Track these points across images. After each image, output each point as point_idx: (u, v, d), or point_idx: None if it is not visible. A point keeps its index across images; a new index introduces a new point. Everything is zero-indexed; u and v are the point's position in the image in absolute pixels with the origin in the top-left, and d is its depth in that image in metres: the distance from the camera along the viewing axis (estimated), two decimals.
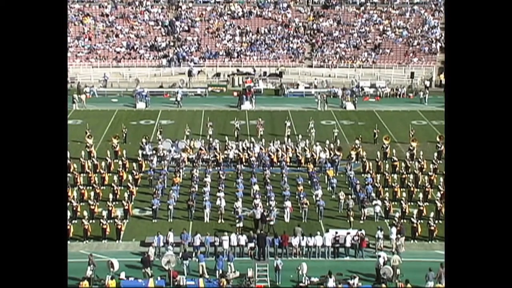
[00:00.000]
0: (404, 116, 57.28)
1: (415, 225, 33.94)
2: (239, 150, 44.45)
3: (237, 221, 34.57)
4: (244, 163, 43.19)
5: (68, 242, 30.66)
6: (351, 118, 56.54)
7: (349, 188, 39.72)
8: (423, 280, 28.50)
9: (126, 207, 36.11)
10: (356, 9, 77.79)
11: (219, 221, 35.69)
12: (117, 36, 73.45)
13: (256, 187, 37.95)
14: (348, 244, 32.14)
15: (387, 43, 73.03)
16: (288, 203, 36.19)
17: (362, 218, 36.02)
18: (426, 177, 40.24)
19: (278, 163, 42.99)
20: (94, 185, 38.91)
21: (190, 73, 67.87)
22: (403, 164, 42.13)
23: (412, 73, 67.42)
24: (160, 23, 75.53)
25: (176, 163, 42.73)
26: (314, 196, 37.54)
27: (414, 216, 34.30)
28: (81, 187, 38.25)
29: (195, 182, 39.19)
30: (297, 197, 37.93)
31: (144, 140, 46.16)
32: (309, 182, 40.58)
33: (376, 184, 38.91)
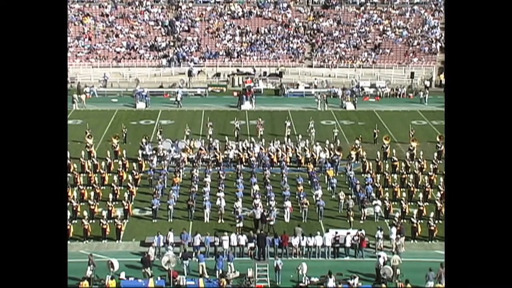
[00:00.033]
0: (404, 116, 57.28)
1: (415, 225, 33.94)
2: (239, 150, 44.45)
3: (237, 221, 34.56)
4: (244, 163, 43.19)
5: (68, 242, 30.66)
6: (351, 118, 56.54)
7: (349, 188, 39.72)
8: (423, 280, 28.50)
9: (126, 207, 36.11)
10: (356, 9, 77.80)
11: (219, 221, 35.69)
12: (117, 36, 73.45)
13: (256, 187, 37.95)
14: (348, 244, 32.14)
15: (387, 43, 73.04)
16: (288, 203, 36.19)
17: (362, 218, 36.02)
18: (426, 177, 40.24)
19: (278, 163, 42.99)
20: (94, 185, 38.91)
21: (190, 73, 67.87)
22: (403, 164, 42.13)
23: (412, 73, 67.43)
24: (160, 23, 75.54)
25: (176, 163, 42.73)
26: (314, 196, 37.55)
27: (414, 216, 34.30)
28: (81, 187, 38.26)
29: (195, 182, 39.19)
30: (297, 197, 37.93)
31: (144, 140, 46.17)
32: (309, 182, 40.58)
33: (376, 184, 38.91)
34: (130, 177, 39.82)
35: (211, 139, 46.84)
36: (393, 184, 39.22)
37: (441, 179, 38.14)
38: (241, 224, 34.32)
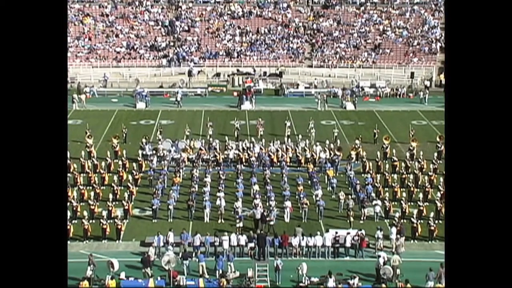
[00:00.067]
0: (404, 116, 57.28)
1: (415, 225, 33.94)
2: (239, 150, 44.45)
3: (237, 221, 34.56)
4: (244, 163, 43.19)
5: (68, 242, 30.67)
6: (351, 118, 56.54)
7: (349, 188, 39.72)
8: (423, 280, 28.51)
9: (126, 207, 36.11)
10: (356, 9, 77.80)
11: (219, 221, 35.69)
12: (117, 36, 73.46)
13: (256, 187, 37.95)
14: (348, 244, 32.13)
15: (387, 43, 73.04)
16: (288, 203, 36.19)
17: (362, 218, 36.02)
18: (426, 177, 40.24)
19: (278, 163, 42.99)
20: (94, 185, 38.91)
21: (190, 73, 67.88)
22: (403, 164, 42.13)
23: (412, 73, 67.44)
24: (160, 23, 75.54)
25: (176, 163, 42.73)
26: (314, 196, 37.54)
27: (414, 216, 34.30)
28: (81, 187, 38.26)
29: (195, 182, 39.19)
30: (297, 197, 37.93)
31: (144, 140, 46.16)
32: (309, 182, 40.58)
33: (376, 184, 38.91)
34: (130, 177, 39.82)
35: (211, 139, 46.84)
36: (393, 184, 39.22)
37: (441, 179, 38.14)
38: (241, 224, 34.32)
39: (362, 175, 41.58)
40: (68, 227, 32.54)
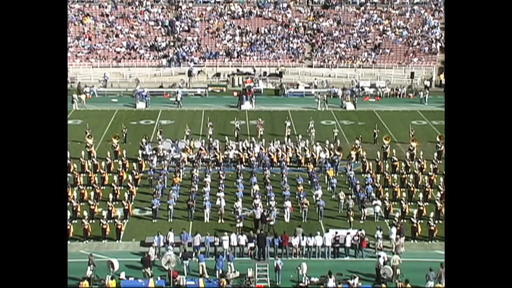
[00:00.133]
0: (404, 116, 57.28)
1: (415, 225, 33.94)
2: (239, 150, 44.45)
3: (237, 221, 34.55)
4: (244, 163, 43.19)
5: (68, 242, 30.66)
6: (351, 118, 56.55)
7: (349, 188, 39.72)
8: (423, 280, 28.51)
9: (126, 207, 36.11)
10: (356, 9, 77.80)
11: (219, 221, 35.69)
12: (117, 36, 73.46)
13: (256, 187, 37.95)
14: (348, 244, 32.13)
15: (387, 43, 73.05)
16: (288, 203, 36.19)
17: (362, 218, 36.02)
18: (426, 177, 40.24)
19: (278, 163, 43.00)
20: (94, 185, 38.91)
21: (190, 73, 67.88)
22: (403, 164, 42.13)
23: (412, 73, 67.44)
24: (160, 23, 75.54)
25: (176, 163, 42.73)
26: (314, 196, 37.54)
27: (414, 216, 34.30)
28: (81, 187, 38.26)
29: (195, 182, 39.19)
30: (297, 197, 37.93)
31: (144, 140, 46.17)
32: (309, 182, 40.58)
33: (376, 184, 38.91)
34: (130, 177, 39.82)
35: (211, 139, 46.84)
36: (393, 184, 39.22)
37: (441, 179, 38.14)
38: (241, 224, 34.31)
39: (362, 175, 41.58)
40: (68, 227, 32.54)
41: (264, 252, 30.91)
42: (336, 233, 32.42)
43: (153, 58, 71.06)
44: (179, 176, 40.39)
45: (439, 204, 35.61)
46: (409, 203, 36.93)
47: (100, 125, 53.38)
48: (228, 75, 68.95)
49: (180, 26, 75.34)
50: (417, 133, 49.18)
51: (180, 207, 36.76)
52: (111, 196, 36.77)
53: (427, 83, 66.26)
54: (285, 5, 78.08)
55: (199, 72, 69.40)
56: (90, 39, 72.83)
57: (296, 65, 70.96)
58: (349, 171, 41.13)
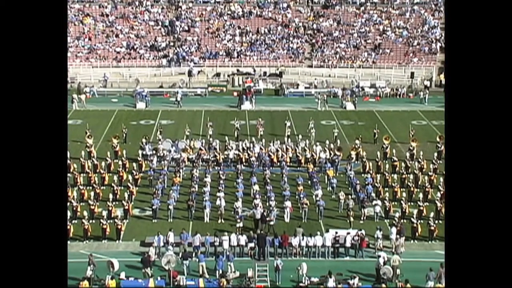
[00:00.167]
0: (404, 116, 57.28)
1: (415, 225, 33.93)
2: (239, 150, 44.45)
3: (237, 221, 34.55)
4: (244, 163, 43.19)
5: (68, 242, 30.66)
6: (351, 118, 56.54)
7: (349, 188, 39.71)
8: (423, 280, 28.50)
9: (126, 207, 36.11)
10: (356, 9, 77.80)
11: (219, 221, 35.69)
12: (117, 36, 73.45)
13: (256, 187, 37.94)
14: (348, 244, 32.13)
15: (387, 43, 73.05)
16: (288, 203, 36.18)
17: (362, 218, 36.02)
18: (426, 177, 40.24)
19: (278, 163, 42.99)
20: (94, 185, 38.91)
21: (190, 73, 67.88)
22: (403, 164, 42.13)
23: (412, 73, 67.44)
24: (160, 23, 75.54)
25: (176, 163, 42.73)
26: (314, 196, 37.54)
27: (414, 216, 34.30)
28: (81, 187, 38.25)
29: (195, 182, 39.19)
30: (297, 197, 37.93)
31: (144, 140, 46.16)
32: (309, 182, 40.58)
33: (376, 184, 38.91)
34: (130, 177, 39.82)
35: (211, 139, 46.84)
36: (393, 184, 39.21)
37: (441, 179, 38.14)
38: (241, 224, 34.31)
39: (362, 175, 41.58)
40: (68, 227, 32.53)
41: (264, 252, 30.91)
42: (336, 233, 32.41)
43: (153, 58, 71.06)
44: (179, 176, 40.38)
45: (439, 204, 35.60)
46: (409, 203, 36.93)
47: (100, 125, 53.38)
48: (228, 75, 68.96)
49: (180, 26, 75.34)
50: (417, 133, 49.18)
51: (180, 207, 36.76)
52: (111, 196, 36.77)
53: (427, 83, 66.27)
54: (285, 5, 78.08)
55: (199, 72, 69.40)
56: (90, 39, 72.84)
57: (296, 65, 70.96)
58: (349, 171, 41.12)
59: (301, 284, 29.28)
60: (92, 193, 37.67)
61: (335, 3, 78.22)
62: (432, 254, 31.94)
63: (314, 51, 72.82)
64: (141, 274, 29.44)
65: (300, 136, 47.88)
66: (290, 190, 38.21)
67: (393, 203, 37.18)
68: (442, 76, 65.94)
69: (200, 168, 41.87)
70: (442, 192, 36.44)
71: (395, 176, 40.58)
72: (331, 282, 28.34)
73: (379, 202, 36.47)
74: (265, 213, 34.75)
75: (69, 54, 66.33)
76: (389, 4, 78.03)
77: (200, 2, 78.68)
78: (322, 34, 74.60)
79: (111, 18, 75.46)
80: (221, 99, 62.87)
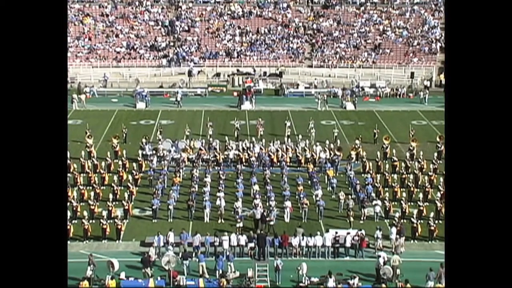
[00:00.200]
0: (404, 116, 57.28)
1: (415, 225, 33.93)
2: (239, 150, 44.45)
3: (237, 221, 34.54)
4: (244, 163, 43.19)
5: (68, 242, 30.66)
6: (351, 118, 56.54)
7: (349, 188, 39.71)
8: (423, 280, 28.50)
9: (126, 207, 36.11)
10: (356, 9, 77.80)
11: (219, 221, 35.68)
12: (117, 36, 73.46)
13: (256, 187, 37.94)
14: (348, 244, 32.13)
15: (387, 43, 73.05)
16: (288, 203, 36.18)
17: (362, 218, 36.02)
18: (426, 177, 40.23)
19: (278, 163, 42.99)
20: (94, 185, 38.91)
21: (190, 73, 67.88)
22: (403, 164, 42.13)
23: (412, 73, 67.44)
24: (160, 23, 75.54)
25: (176, 163, 42.73)
26: (314, 196, 37.54)
27: (414, 216, 34.30)
28: (81, 187, 38.25)
29: (195, 182, 39.19)
30: (297, 197, 37.93)
31: (144, 140, 46.16)
32: (309, 182, 40.58)
33: (376, 184, 38.91)
34: (130, 177, 39.82)
35: (211, 139, 46.84)
36: (393, 184, 39.21)
37: (441, 179, 38.14)
38: (241, 224, 34.31)
39: (362, 175, 41.58)
40: (68, 227, 32.53)
41: (264, 252, 30.91)
42: (336, 233, 32.41)
43: (153, 58, 71.06)
44: (179, 176, 40.38)
45: (439, 204, 35.60)
46: (409, 203, 36.93)
47: (100, 125, 53.38)
48: (228, 75, 68.96)
49: (180, 26, 75.34)
50: (417, 133, 49.18)
51: (180, 207, 36.76)
52: (111, 196, 36.77)
53: (427, 83, 66.28)
54: (285, 5, 78.08)
55: (199, 72, 69.40)
56: (90, 39, 72.84)
57: (296, 65, 70.96)
58: (349, 171, 41.12)
59: (301, 284, 29.28)
60: (92, 193, 37.67)
61: (335, 3, 78.22)
62: (432, 254, 31.93)
63: (314, 51, 72.82)
64: (141, 274, 29.44)
65: (300, 136, 47.87)
66: (290, 190, 38.20)
67: (393, 203, 37.18)
68: (442, 76, 65.94)
69: (200, 168, 41.87)
70: (442, 192, 36.44)
71: (395, 176, 40.58)
72: (331, 282, 28.34)
73: (379, 202, 36.47)
74: (265, 213, 34.75)
75: (69, 54, 66.34)
76: (389, 4, 78.03)
77: (200, 2, 78.69)
78: (322, 34, 74.60)
79: (111, 18, 75.46)
80: (221, 99, 62.87)
